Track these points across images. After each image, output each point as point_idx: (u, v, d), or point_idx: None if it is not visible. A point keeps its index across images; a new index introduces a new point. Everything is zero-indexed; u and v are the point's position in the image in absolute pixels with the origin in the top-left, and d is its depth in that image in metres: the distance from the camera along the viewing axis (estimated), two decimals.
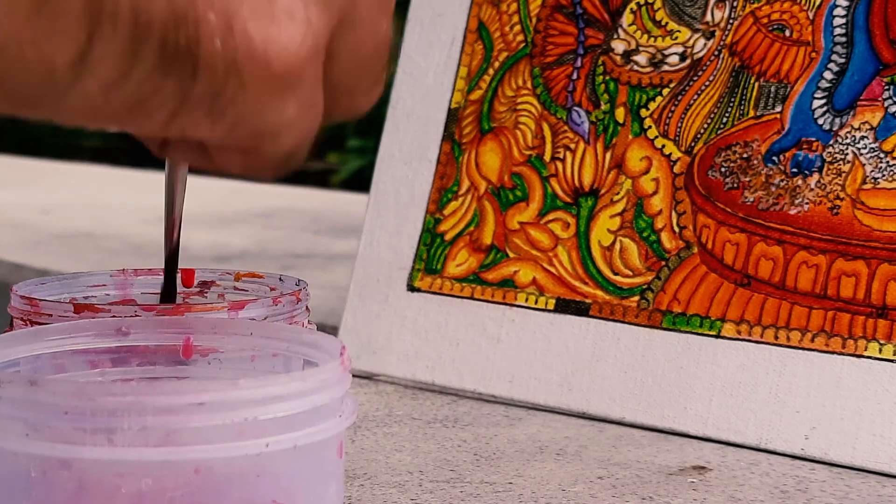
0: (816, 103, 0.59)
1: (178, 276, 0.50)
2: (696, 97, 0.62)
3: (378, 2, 0.31)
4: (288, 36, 0.28)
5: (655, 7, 0.64)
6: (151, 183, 1.85)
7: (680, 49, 0.63)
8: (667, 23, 0.64)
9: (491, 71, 0.68)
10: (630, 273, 0.62)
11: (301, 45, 0.29)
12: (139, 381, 0.40)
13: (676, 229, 0.61)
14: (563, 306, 0.64)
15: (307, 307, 0.47)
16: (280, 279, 0.48)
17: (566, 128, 0.66)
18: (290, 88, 0.29)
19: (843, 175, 0.58)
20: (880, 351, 0.55)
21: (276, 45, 0.28)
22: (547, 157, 0.66)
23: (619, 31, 0.65)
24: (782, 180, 0.59)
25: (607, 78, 0.65)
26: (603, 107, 0.65)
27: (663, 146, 0.63)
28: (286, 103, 0.29)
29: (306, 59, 0.29)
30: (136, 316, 0.41)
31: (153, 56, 0.27)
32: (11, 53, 0.26)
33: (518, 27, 0.68)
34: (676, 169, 0.62)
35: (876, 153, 0.57)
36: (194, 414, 0.32)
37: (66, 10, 0.26)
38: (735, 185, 0.60)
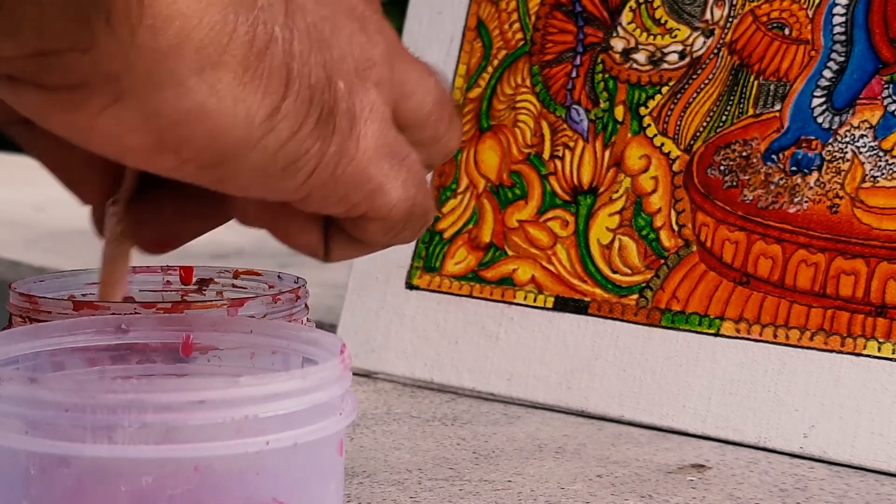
0: (816, 102, 0.59)
1: (177, 273, 0.50)
2: (695, 95, 0.62)
3: (423, 68, 0.37)
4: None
5: (655, 5, 0.64)
6: None
7: (679, 47, 0.63)
8: (666, 21, 0.64)
9: (490, 69, 0.68)
10: (629, 271, 0.62)
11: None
12: (139, 379, 0.40)
13: (675, 227, 0.61)
14: (562, 304, 0.63)
15: (306, 305, 0.46)
16: (279, 277, 0.48)
17: (565, 126, 0.66)
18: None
19: (843, 173, 0.58)
20: (879, 349, 0.55)
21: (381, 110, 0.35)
22: (546, 156, 0.66)
23: (619, 29, 0.65)
24: (781, 179, 0.59)
25: (606, 76, 0.65)
26: (602, 105, 0.65)
27: (662, 144, 0.63)
28: (386, 160, 0.34)
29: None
30: (136, 313, 0.41)
31: (315, 116, 0.31)
32: (226, 107, 0.30)
33: (517, 25, 0.68)
34: (675, 167, 0.62)
35: (875, 152, 0.57)
36: (194, 411, 0.32)
37: (271, 68, 0.30)
38: (734, 184, 0.60)
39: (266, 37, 0.30)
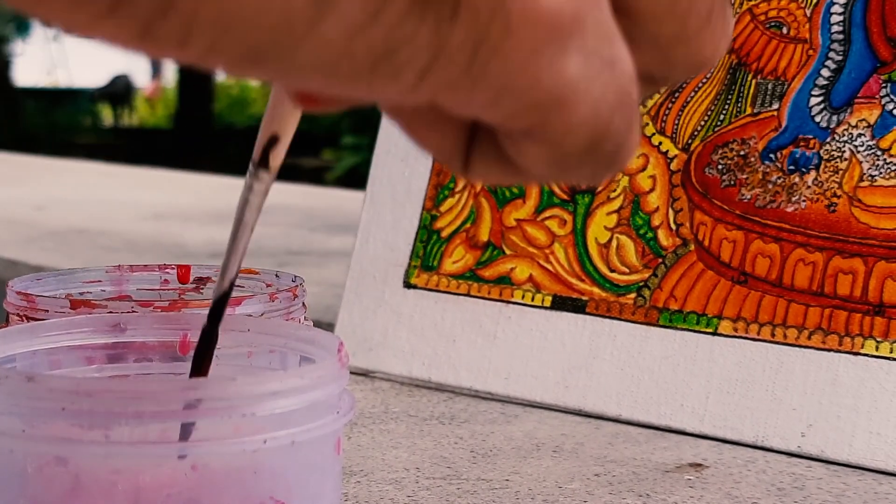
0: (814, 101, 0.59)
1: (175, 272, 0.50)
2: (693, 94, 0.62)
3: None
4: None
5: None
6: (145, 179, 1.85)
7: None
8: None
9: None
10: (627, 270, 0.62)
11: None
12: (137, 378, 0.40)
13: (673, 226, 0.61)
14: (560, 303, 0.63)
15: (304, 304, 0.46)
16: (276, 275, 0.48)
17: None
18: (566, 37, 0.23)
19: (841, 172, 0.58)
20: (877, 348, 0.55)
21: None
22: None
23: None
24: (779, 178, 0.59)
25: None
26: None
27: (660, 143, 0.63)
28: (566, 57, 0.23)
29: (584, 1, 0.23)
30: (133, 312, 0.41)
31: None
32: None
33: None
34: (673, 166, 0.62)
35: (873, 151, 0.57)
36: (192, 410, 0.32)
37: None
38: (732, 183, 0.60)
39: None
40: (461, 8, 0.22)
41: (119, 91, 10.41)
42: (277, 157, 0.33)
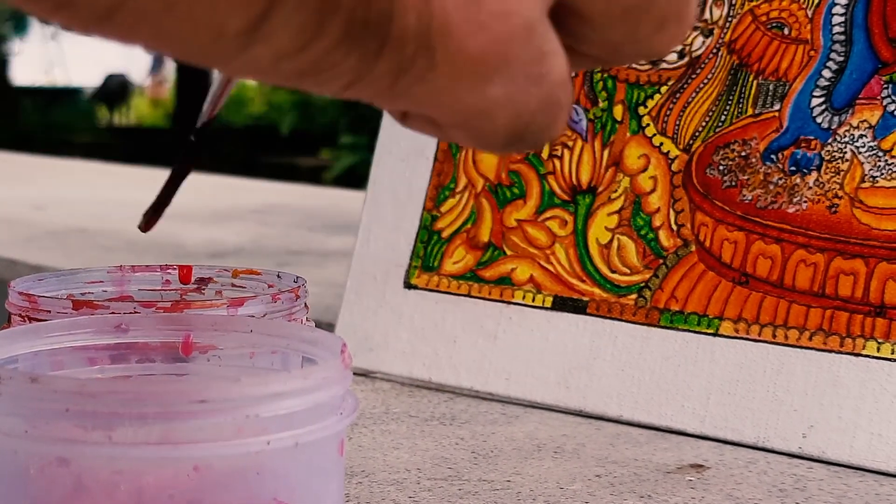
0: (815, 101, 0.59)
1: (176, 272, 0.50)
2: (694, 95, 0.62)
3: None
4: (489, 14, 0.24)
5: None
6: (143, 178, 1.85)
7: (678, 47, 0.63)
8: None
9: None
10: (628, 271, 0.62)
11: (504, 24, 0.24)
12: (139, 379, 0.40)
13: (674, 227, 0.61)
14: (561, 304, 0.63)
15: (305, 304, 0.46)
16: (278, 276, 0.48)
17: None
18: (490, 71, 0.25)
19: (842, 173, 0.58)
20: (878, 349, 0.55)
21: (474, 24, 0.24)
22: (544, 155, 0.66)
23: None
24: (780, 178, 0.59)
25: (605, 75, 0.65)
26: (601, 104, 0.65)
27: (661, 144, 0.63)
28: (488, 84, 0.25)
29: (510, 40, 0.24)
30: (136, 312, 0.41)
31: (337, 31, 0.24)
32: (181, 10, 0.23)
33: None
34: (674, 167, 0.62)
35: (874, 152, 0.57)
36: (195, 411, 0.32)
37: None
38: (733, 184, 0.60)
39: None
40: (387, 48, 0.24)
41: (113, 90, 10.38)
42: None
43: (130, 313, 0.41)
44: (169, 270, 0.49)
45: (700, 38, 0.63)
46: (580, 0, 0.25)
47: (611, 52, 0.27)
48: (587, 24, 0.26)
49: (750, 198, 0.60)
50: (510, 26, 0.24)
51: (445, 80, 0.25)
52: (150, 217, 0.39)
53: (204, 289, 0.49)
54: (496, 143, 0.27)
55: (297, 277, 0.47)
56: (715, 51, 0.62)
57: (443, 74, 0.25)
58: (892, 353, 0.54)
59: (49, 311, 0.42)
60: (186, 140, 0.37)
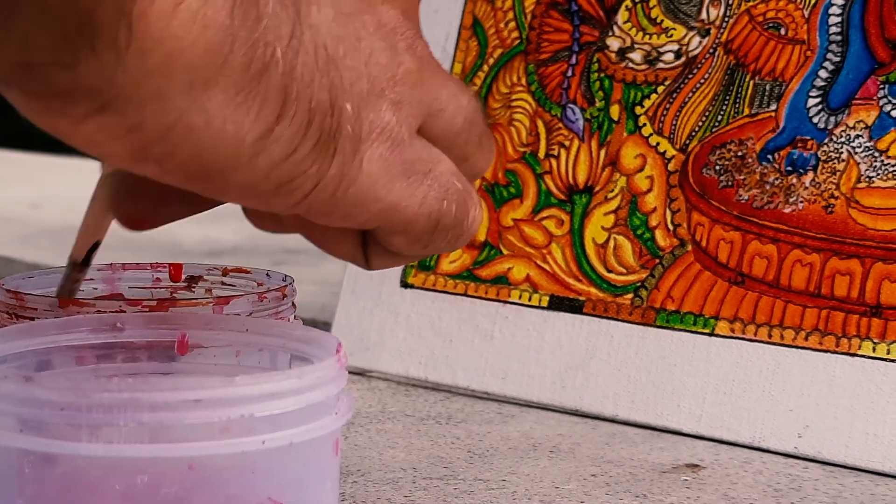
0: (811, 102, 0.59)
1: (167, 270, 0.50)
2: (690, 95, 0.62)
3: (455, 85, 0.37)
4: (387, 120, 0.34)
5: (651, 4, 0.64)
6: None
7: (675, 47, 0.63)
8: (662, 20, 0.64)
9: (485, 67, 0.68)
10: (624, 271, 0.62)
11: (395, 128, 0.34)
12: (134, 378, 0.40)
13: (671, 227, 0.61)
14: (557, 303, 0.63)
15: (293, 303, 0.46)
16: (267, 275, 0.48)
17: (561, 125, 0.66)
18: (395, 176, 0.34)
19: (838, 174, 0.58)
20: (874, 350, 0.55)
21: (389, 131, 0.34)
22: (541, 154, 0.66)
23: (615, 28, 0.65)
24: (777, 179, 0.59)
25: (602, 75, 0.65)
26: (598, 104, 0.65)
27: (658, 144, 0.63)
28: (393, 183, 0.34)
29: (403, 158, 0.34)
30: (122, 311, 0.41)
31: (313, 140, 0.31)
32: (215, 127, 0.29)
33: (513, 24, 0.68)
34: (671, 167, 0.62)
35: (871, 152, 0.57)
36: (190, 410, 0.32)
37: (267, 90, 0.30)
38: (729, 184, 0.60)
39: (265, 58, 0.30)
40: (336, 151, 0.32)
41: None
42: (95, 257, 0.42)
43: (117, 311, 0.41)
44: (159, 269, 0.49)
45: (697, 38, 0.63)
46: (434, 126, 0.36)
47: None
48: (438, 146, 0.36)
49: (746, 198, 0.60)
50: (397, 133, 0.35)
51: (367, 182, 0.33)
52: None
53: (194, 287, 0.49)
54: (422, 232, 0.35)
55: (286, 276, 0.47)
56: (711, 51, 0.62)
57: (365, 177, 0.33)
58: (888, 354, 0.54)
59: (36, 309, 0.42)
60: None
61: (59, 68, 0.28)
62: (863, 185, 0.57)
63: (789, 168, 0.59)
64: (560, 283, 0.64)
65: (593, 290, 0.63)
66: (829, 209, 0.57)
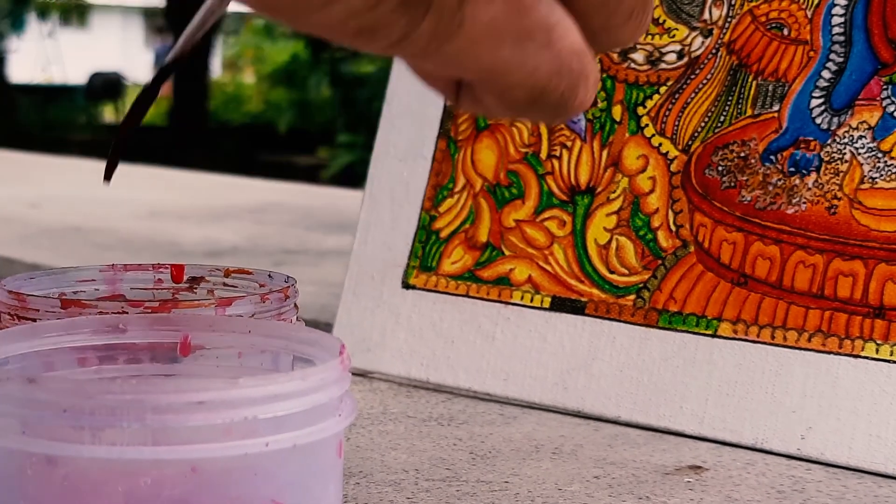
0: (814, 102, 0.59)
1: (169, 271, 0.49)
2: (693, 95, 0.62)
3: None
4: None
5: (653, 4, 0.64)
6: (140, 177, 1.85)
7: (677, 47, 0.63)
8: (664, 20, 0.64)
9: None
10: (626, 272, 0.62)
11: None
12: (134, 379, 0.40)
13: (673, 228, 0.61)
14: (559, 305, 0.63)
15: (295, 304, 0.46)
16: (269, 276, 0.48)
17: (563, 125, 0.65)
18: (502, 35, 0.31)
19: (841, 175, 0.57)
20: (877, 351, 0.55)
21: None
22: (543, 155, 0.66)
23: None
24: (780, 179, 0.59)
25: (604, 75, 0.65)
26: (600, 104, 0.65)
27: (660, 144, 0.63)
28: (501, 45, 0.31)
29: (517, 10, 0.31)
30: (124, 312, 0.41)
31: None
32: None
33: None
34: (673, 167, 0.62)
35: (874, 153, 0.57)
36: (193, 413, 0.32)
37: None
38: (732, 184, 0.60)
39: None
40: (430, 11, 0.29)
41: (97, 88, 10.32)
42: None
43: (119, 313, 0.41)
44: (161, 270, 0.49)
45: (699, 39, 0.63)
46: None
47: (588, 38, 0.32)
48: (572, 13, 0.31)
49: (749, 198, 0.59)
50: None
51: (466, 42, 0.30)
52: (114, 150, 0.40)
53: (196, 288, 0.49)
54: (517, 103, 0.32)
55: (288, 277, 0.47)
56: (714, 51, 0.62)
57: (465, 36, 0.30)
58: (891, 355, 0.54)
59: (38, 310, 0.42)
60: (161, 66, 0.39)
61: None
62: (866, 186, 0.57)
63: (792, 169, 0.59)
64: (562, 284, 0.64)
65: (595, 291, 0.63)
66: (833, 210, 0.57)
